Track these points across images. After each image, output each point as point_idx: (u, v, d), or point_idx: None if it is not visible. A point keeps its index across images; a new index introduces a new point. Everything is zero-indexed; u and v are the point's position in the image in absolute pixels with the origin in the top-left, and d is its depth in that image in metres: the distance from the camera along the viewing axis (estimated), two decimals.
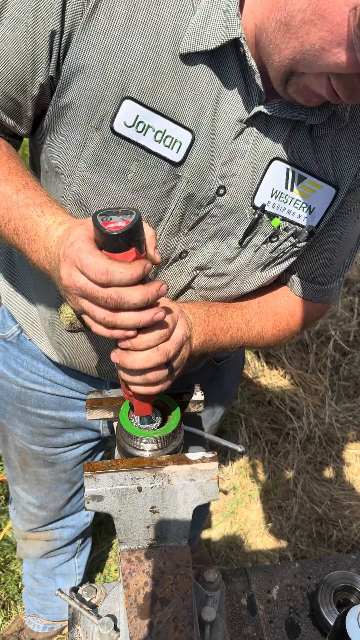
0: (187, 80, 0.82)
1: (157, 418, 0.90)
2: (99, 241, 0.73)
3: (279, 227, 0.97)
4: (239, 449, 0.99)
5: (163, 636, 0.78)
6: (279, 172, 0.93)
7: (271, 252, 1.01)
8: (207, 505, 2.02)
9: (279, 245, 1.00)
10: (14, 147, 0.96)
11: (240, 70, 0.83)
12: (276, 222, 0.96)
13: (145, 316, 0.74)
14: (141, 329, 0.77)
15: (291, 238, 0.99)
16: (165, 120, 0.84)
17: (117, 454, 0.92)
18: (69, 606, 0.99)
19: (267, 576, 1.20)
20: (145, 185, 0.89)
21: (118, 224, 0.70)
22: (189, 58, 0.81)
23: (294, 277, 1.13)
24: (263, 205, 0.94)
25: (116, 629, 0.91)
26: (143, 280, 0.73)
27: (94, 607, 0.98)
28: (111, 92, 0.82)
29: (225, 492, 2.42)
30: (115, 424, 0.98)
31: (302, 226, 0.99)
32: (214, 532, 2.29)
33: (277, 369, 2.89)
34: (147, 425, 0.89)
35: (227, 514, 2.35)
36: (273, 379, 2.84)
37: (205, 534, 2.26)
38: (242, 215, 0.95)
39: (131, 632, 0.78)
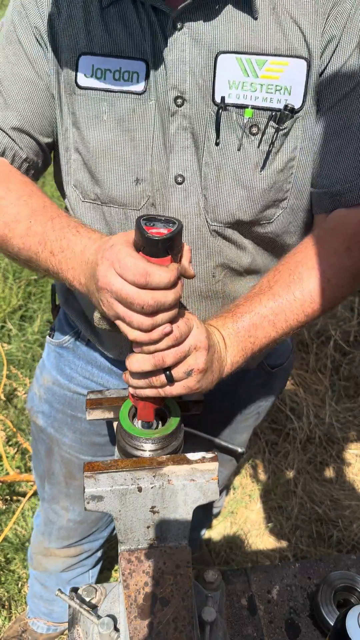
0: (117, 20, 0.96)
1: (158, 426, 0.91)
2: (139, 244, 0.75)
3: (252, 116, 0.96)
4: (239, 449, 0.99)
5: (163, 636, 0.78)
6: (228, 64, 0.95)
7: (259, 146, 0.97)
8: (211, 509, 2.01)
9: (263, 136, 0.97)
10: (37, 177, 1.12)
11: None
12: (248, 112, 0.96)
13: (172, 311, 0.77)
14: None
15: (272, 123, 0.96)
16: (116, 60, 0.97)
17: (117, 454, 0.92)
18: (69, 606, 1.00)
19: (267, 576, 1.20)
20: (120, 118, 0.98)
21: (160, 230, 0.74)
22: (109, 4, 0.96)
23: (316, 191, 1.02)
24: (223, 98, 0.95)
25: (116, 629, 0.91)
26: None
27: (94, 608, 0.98)
28: (70, 57, 0.98)
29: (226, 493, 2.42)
30: (115, 424, 0.98)
31: (280, 109, 0.95)
32: (214, 533, 2.29)
33: None
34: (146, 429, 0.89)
35: (227, 514, 2.35)
36: None
37: (205, 534, 2.26)
38: (208, 116, 0.97)
39: (131, 632, 0.78)
